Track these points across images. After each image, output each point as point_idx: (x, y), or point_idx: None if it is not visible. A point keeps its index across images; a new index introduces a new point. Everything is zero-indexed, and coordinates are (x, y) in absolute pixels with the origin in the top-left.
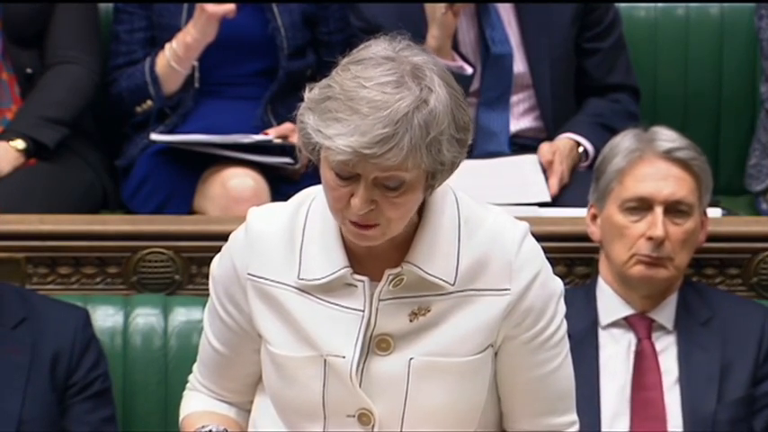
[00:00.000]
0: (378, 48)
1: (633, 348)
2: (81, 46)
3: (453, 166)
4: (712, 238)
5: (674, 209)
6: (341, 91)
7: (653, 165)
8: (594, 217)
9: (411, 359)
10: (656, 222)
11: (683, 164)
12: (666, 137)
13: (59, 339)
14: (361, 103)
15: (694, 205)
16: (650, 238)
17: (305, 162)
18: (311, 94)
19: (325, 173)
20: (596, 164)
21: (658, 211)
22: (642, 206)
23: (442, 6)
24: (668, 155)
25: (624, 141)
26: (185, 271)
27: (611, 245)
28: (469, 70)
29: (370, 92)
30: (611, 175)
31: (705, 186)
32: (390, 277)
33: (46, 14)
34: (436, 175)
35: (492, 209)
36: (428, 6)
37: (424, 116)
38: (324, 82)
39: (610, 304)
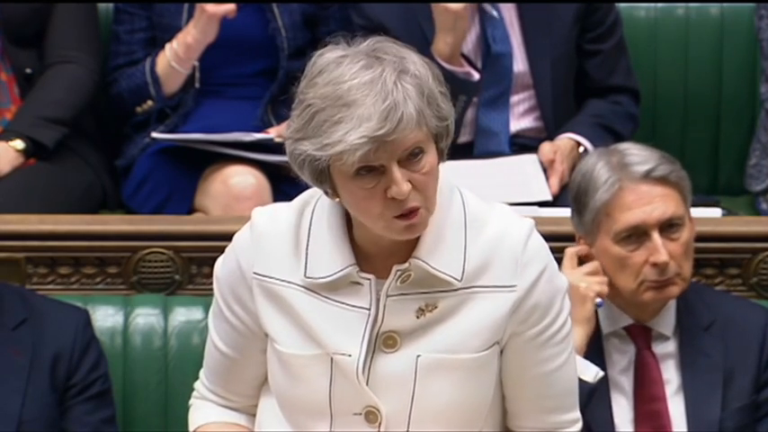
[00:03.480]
0: (327, 54)
1: (633, 359)
2: (80, 46)
3: (451, 121)
4: (712, 238)
5: (667, 226)
6: (323, 100)
7: (635, 191)
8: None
9: (418, 356)
10: (658, 248)
11: (663, 180)
12: (638, 158)
13: (60, 340)
14: (350, 93)
15: (684, 215)
16: (655, 264)
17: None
18: (291, 128)
19: (348, 186)
20: (572, 193)
21: (655, 235)
22: (636, 233)
23: (461, 13)
24: (647, 177)
25: (598, 172)
26: (185, 271)
27: (615, 276)
28: (477, 76)
29: (352, 81)
30: (596, 209)
31: (687, 191)
32: (398, 273)
33: (45, 14)
34: (442, 135)
35: (497, 206)
36: (438, 14)
37: (410, 79)
38: (297, 110)
39: (608, 314)
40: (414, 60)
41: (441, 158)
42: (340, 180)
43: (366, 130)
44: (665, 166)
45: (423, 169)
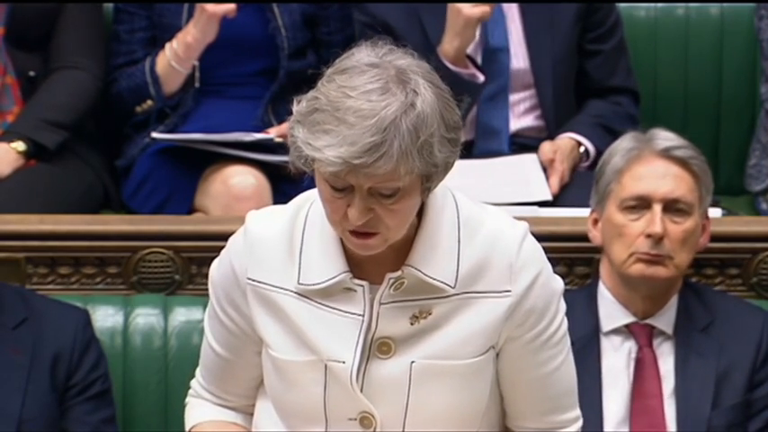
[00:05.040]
0: (361, 54)
1: (634, 356)
2: (86, 51)
3: (447, 166)
4: (712, 238)
5: (672, 207)
6: (327, 102)
7: (651, 163)
8: (596, 222)
9: (413, 362)
10: (655, 219)
11: (682, 162)
12: (665, 136)
13: (60, 340)
14: (347, 113)
15: (693, 204)
16: (649, 236)
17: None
18: (299, 107)
19: (320, 185)
20: (596, 168)
21: (657, 208)
22: (641, 205)
23: (473, 16)
24: (666, 153)
25: (622, 143)
26: (185, 271)
27: (610, 245)
28: (481, 78)
29: (355, 101)
30: (610, 176)
31: (705, 187)
32: (391, 281)
33: (52, 18)
34: (431, 177)
35: (491, 210)
36: (450, 14)
37: (412, 120)
38: (311, 94)
39: (611, 311)
40: (426, 99)
41: (424, 195)
42: (317, 176)
43: (344, 153)
44: (688, 150)
45: (391, 203)
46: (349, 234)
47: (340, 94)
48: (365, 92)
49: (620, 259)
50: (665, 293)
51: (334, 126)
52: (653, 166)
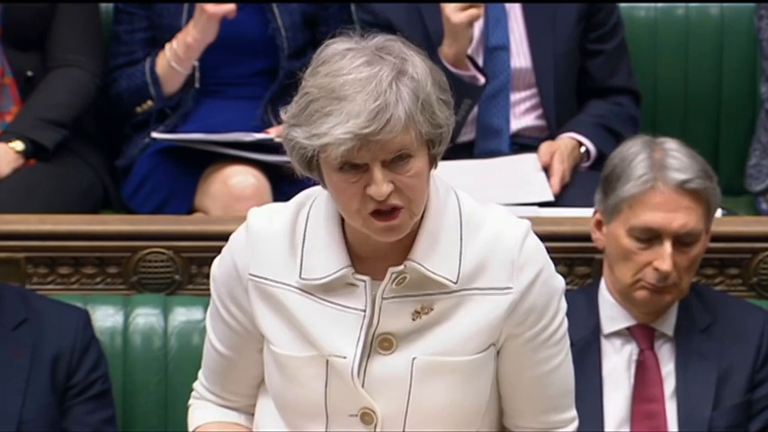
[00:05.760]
0: (335, 45)
1: (635, 358)
2: (82, 49)
3: (448, 128)
4: (712, 238)
5: (682, 239)
6: (319, 91)
7: (664, 196)
8: (599, 223)
9: (414, 359)
10: (665, 257)
11: (695, 193)
12: (679, 165)
13: (60, 340)
14: (344, 88)
15: (702, 231)
16: (657, 269)
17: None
18: (288, 113)
19: (332, 177)
20: (605, 172)
21: (667, 244)
22: (651, 235)
23: (461, 23)
24: (681, 187)
25: (636, 164)
26: (185, 271)
27: (616, 263)
28: (482, 80)
29: (348, 76)
30: (622, 197)
31: (714, 208)
32: (393, 275)
33: (47, 17)
34: (435, 142)
35: (493, 207)
36: (444, 20)
37: (407, 82)
38: (297, 96)
39: (612, 314)
40: (415, 63)
41: (433, 164)
42: (326, 170)
43: (353, 127)
44: (701, 180)
45: (408, 173)
46: (372, 219)
47: (329, 78)
48: (354, 67)
49: (626, 282)
50: (666, 307)
51: (335, 106)
52: (666, 199)
